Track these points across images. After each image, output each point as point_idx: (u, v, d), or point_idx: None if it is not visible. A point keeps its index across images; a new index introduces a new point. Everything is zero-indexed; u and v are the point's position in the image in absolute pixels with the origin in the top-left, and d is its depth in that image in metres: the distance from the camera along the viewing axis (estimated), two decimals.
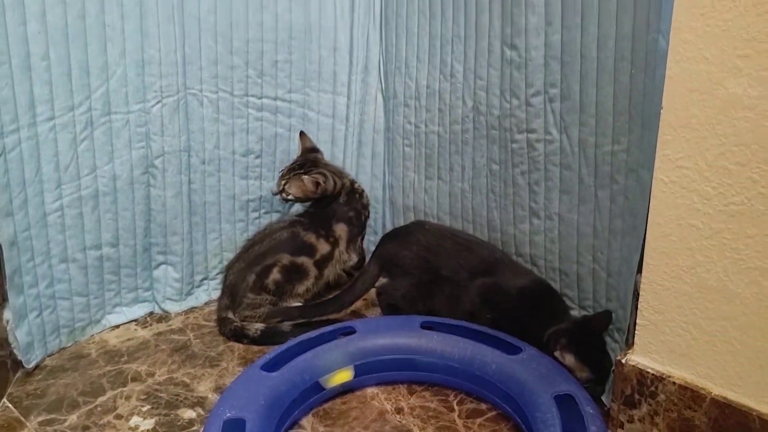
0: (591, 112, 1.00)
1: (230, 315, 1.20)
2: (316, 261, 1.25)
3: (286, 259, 1.23)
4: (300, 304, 1.24)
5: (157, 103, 1.17)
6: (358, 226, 1.30)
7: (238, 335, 1.18)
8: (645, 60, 0.90)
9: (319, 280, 1.26)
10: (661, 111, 0.76)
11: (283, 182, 1.27)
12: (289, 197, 1.29)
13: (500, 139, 1.14)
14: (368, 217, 1.35)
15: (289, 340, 1.03)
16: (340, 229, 1.27)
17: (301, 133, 1.33)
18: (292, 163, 1.30)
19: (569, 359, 0.96)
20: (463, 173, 1.22)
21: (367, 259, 1.25)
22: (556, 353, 0.97)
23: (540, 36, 1.02)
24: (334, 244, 1.26)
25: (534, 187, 1.11)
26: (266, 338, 1.15)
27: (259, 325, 1.17)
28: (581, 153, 1.03)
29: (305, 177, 1.26)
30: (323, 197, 1.29)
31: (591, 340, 0.98)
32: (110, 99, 1.10)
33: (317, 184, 1.26)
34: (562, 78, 1.02)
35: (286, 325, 1.17)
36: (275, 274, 1.23)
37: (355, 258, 1.31)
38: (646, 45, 0.89)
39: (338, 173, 1.32)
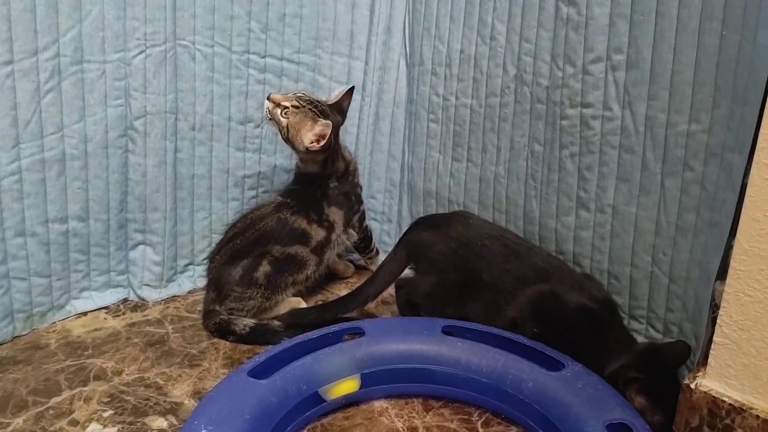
0: (664, 84, 0.86)
1: (217, 308, 1.10)
2: (314, 248, 1.14)
3: (276, 251, 1.11)
4: (301, 300, 1.15)
5: (140, 53, 1.04)
6: (350, 206, 1.18)
7: (223, 330, 1.07)
8: (742, 19, 0.76)
9: (320, 266, 1.16)
10: None
11: (290, 104, 1.07)
12: (279, 121, 1.08)
13: (547, 115, 1.01)
14: (361, 189, 1.22)
15: (281, 340, 0.96)
16: (334, 214, 1.16)
17: (351, 90, 1.13)
18: (317, 101, 1.10)
19: (640, 402, 0.83)
20: (498, 155, 1.11)
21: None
22: (626, 394, 0.84)
23: None
24: (330, 228, 1.15)
25: (585, 173, 0.98)
26: (255, 336, 1.05)
27: (249, 321, 1.07)
28: (648, 133, 0.90)
29: (321, 120, 1.06)
30: (308, 172, 1.13)
31: (664, 376, 0.85)
32: (83, 44, 0.99)
33: (322, 138, 1.07)
34: (631, 41, 0.89)
35: (279, 324, 1.07)
36: (265, 267, 1.10)
37: (355, 235, 1.21)
38: (745, 0, 0.75)
39: (348, 155, 1.19)
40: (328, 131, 1.05)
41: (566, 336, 0.89)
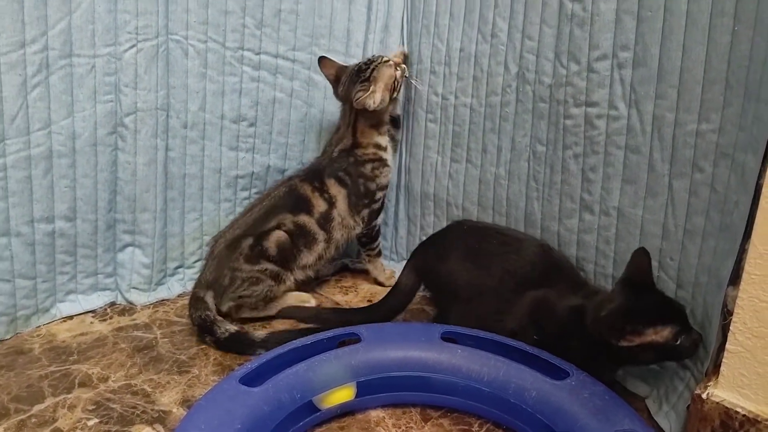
0: (672, 82, 0.84)
1: (208, 297, 1.06)
2: (318, 220, 1.13)
3: (288, 220, 1.11)
4: (310, 297, 1.14)
5: (131, 47, 1.01)
6: (356, 191, 1.16)
7: (204, 328, 1.02)
8: (756, 13, 0.74)
9: (330, 244, 1.14)
10: None
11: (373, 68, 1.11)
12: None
13: (550, 114, 0.99)
14: (371, 190, 1.18)
15: (257, 353, 0.94)
16: (334, 188, 1.15)
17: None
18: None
19: (645, 338, 0.78)
20: (499, 156, 1.08)
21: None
22: (624, 343, 0.79)
23: None
24: (330, 202, 1.14)
25: (589, 175, 0.95)
26: (232, 344, 1.00)
27: (231, 327, 1.02)
28: (655, 133, 0.87)
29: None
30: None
31: (645, 296, 0.81)
32: (72, 38, 0.97)
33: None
34: (638, 38, 0.86)
35: (260, 334, 1.02)
36: (277, 235, 1.09)
37: (360, 227, 1.19)
38: None
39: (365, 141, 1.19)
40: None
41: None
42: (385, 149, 1.17)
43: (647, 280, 0.82)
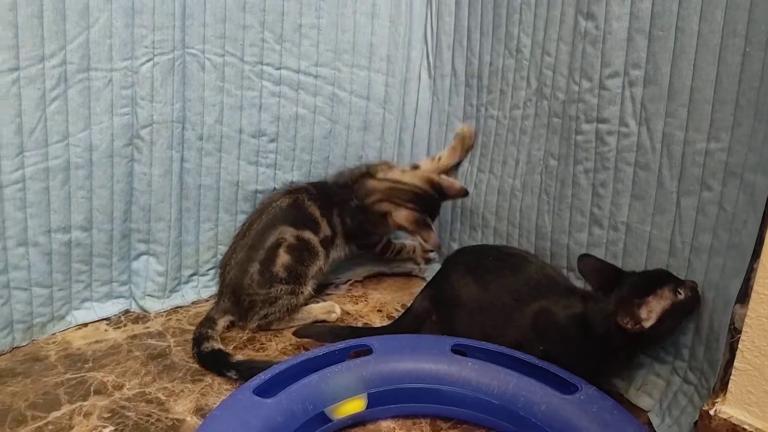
0: (682, 101, 0.84)
1: (221, 321, 1.08)
2: (322, 241, 1.13)
3: (289, 233, 1.09)
4: (335, 305, 1.15)
5: (148, 61, 1.02)
6: (357, 234, 1.18)
7: (196, 341, 1.03)
8: (767, 35, 0.72)
9: (328, 260, 1.15)
10: None
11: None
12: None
13: (563, 129, 0.99)
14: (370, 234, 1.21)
15: (231, 374, 0.96)
16: (337, 220, 1.16)
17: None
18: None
19: (653, 307, 0.81)
20: (516, 168, 1.09)
21: None
22: (645, 323, 0.81)
23: (625, 3, 0.87)
24: (333, 232, 1.16)
25: (599, 190, 0.96)
26: (208, 360, 1.00)
27: (216, 345, 1.02)
28: (664, 150, 0.87)
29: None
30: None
31: (628, 280, 0.86)
32: (90, 52, 0.97)
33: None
34: (649, 57, 0.86)
35: (238, 358, 1.00)
36: (282, 257, 1.08)
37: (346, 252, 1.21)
38: None
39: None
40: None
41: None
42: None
43: (616, 271, 0.88)
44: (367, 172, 1.17)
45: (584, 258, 0.90)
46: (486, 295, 0.96)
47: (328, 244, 1.14)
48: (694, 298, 0.83)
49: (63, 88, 0.95)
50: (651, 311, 0.81)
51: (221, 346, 1.01)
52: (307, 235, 1.11)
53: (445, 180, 1.16)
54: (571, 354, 0.87)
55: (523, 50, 1.04)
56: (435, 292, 1.04)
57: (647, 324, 0.80)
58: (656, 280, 0.83)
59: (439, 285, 1.04)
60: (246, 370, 0.93)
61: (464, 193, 1.16)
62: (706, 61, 0.80)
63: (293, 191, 1.15)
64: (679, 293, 0.82)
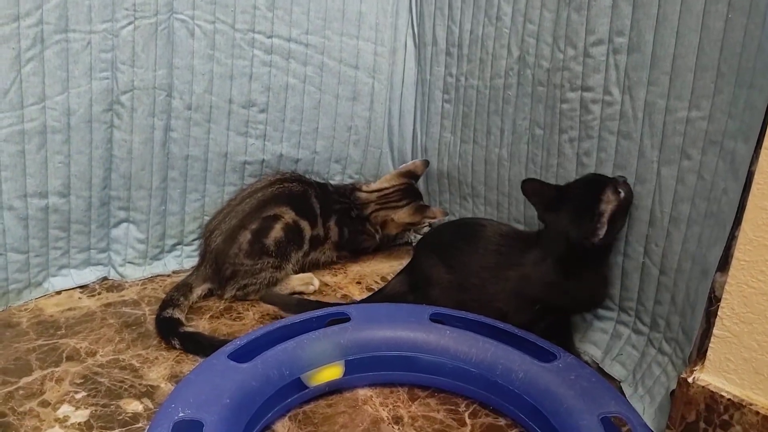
0: (665, 68, 0.83)
1: (197, 289, 1.07)
2: (312, 237, 1.15)
3: (289, 216, 1.11)
4: (312, 276, 1.16)
5: (129, 24, 1.00)
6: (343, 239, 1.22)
7: (166, 303, 1.02)
8: (750, 1, 0.73)
9: (305, 258, 1.16)
10: None
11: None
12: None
13: (547, 98, 0.99)
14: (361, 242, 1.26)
15: (175, 342, 0.95)
16: (333, 229, 1.19)
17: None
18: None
19: (605, 209, 0.86)
20: (502, 137, 1.09)
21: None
22: (600, 231, 0.85)
23: None
24: (326, 235, 1.18)
25: (583, 159, 0.95)
26: (163, 326, 0.98)
27: (180, 314, 1.01)
28: (646, 119, 0.86)
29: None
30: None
31: (567, 194, 0.91)
32: (68, 12, 0.95)
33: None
34: (633, 24, 0.85)
35: (187, 329, 0.98)
36: (277, 231, 1.09)
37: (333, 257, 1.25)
38: None
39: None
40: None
41: None
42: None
43: (556, 189, 0.92)
44: (354, 187, 1.24)
45: (527, 182, 0.94)
46: (452, 271, 0.97)
47: (315, 242, 1.16)
48: (629, 193, 0.87)
49: (39, 49, 0.93)
50: (601, 214, 0.85)
51: (180, 316, 0.99)
52: (303, 224, 1.12)
53: (410, 165, 1.25)
54: (563, 295, 0.90)
55: (503, 18, 1.03)
56: (409, 277, 1.04)
57: (601, 232, 0.84)
58: (594, 187, 0.86)
59: (411, 269, 1.05)
60: (188, 342, 0.94)
61: (427, 163, 1.25)
62: (688, 28, 0.79)
63: (305, 182, 1.16)
64: (620, 191, 0.85)
